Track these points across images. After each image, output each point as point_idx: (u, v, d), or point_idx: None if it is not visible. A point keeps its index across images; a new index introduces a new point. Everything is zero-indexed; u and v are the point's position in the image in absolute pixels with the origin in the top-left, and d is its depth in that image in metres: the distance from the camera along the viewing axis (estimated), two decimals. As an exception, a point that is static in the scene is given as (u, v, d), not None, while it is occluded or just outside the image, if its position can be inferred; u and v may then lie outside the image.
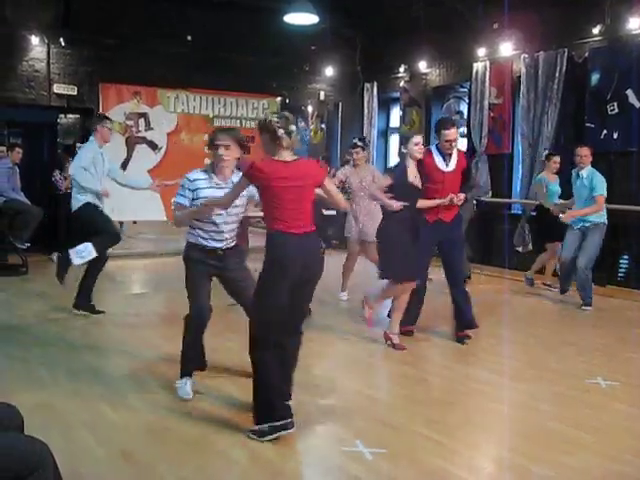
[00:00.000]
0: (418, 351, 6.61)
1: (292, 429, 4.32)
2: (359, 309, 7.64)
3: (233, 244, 5.32)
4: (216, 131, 5.32)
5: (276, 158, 4.44)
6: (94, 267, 7.57)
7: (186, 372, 5.16)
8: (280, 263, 4.37)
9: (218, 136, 5.17)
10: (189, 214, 5.07)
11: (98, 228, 7.47)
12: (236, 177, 5.11)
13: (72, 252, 7.32)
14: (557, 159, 9.14)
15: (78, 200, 7.44)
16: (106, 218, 7.66)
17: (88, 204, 7.42)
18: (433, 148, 6.73)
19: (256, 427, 4.37)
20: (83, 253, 7.32)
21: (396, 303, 6.58)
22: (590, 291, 8.31)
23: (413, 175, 6.34)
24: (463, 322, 6.75)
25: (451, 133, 6.53)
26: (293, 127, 4.49)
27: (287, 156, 4.46)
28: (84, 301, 7.56)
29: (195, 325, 5.14)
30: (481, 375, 5.92)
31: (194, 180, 5.12)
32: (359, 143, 8.52)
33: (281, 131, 4.40)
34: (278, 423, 4.30)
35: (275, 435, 4.28)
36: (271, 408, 4.38)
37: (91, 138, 7.62)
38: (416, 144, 6.30)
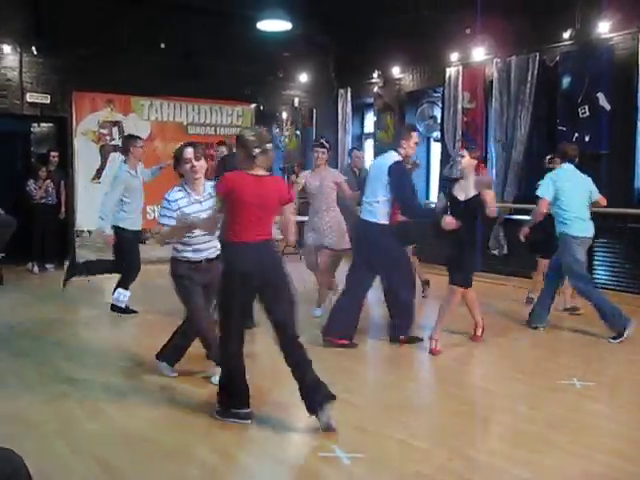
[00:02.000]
0: (393, 356, 6.63)
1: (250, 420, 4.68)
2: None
3: (215, 255, 5.34)
4: (180, 147, 5.38)
5: (250, 173, 4.50)
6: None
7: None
8: (241, 273, 4.47)
9: (185, 150, 5.24)
10: (172, 231, 5.08)
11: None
12: (209, 187, 5.17)
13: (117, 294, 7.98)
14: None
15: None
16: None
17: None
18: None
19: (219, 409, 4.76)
20: (121, 297, 7.94)
21: (447, 309, 6.64)
22: (611, 316, 7.11)
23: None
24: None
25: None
26: (269, 145, 4.55)
27: (260, 171, 4.52)
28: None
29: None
30: (455, 378, 5.95)
31: (175, 200, 5.20)
32: (325, 144, 8.17)
33: (256, 150, 4.47)
34: (242, 411, 4.69)
35: (236, 421, 4.64)
36: (238, 398, 4.73)
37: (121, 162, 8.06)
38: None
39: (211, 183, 5.37)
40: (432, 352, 6.48)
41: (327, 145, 8.21)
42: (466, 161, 6.47)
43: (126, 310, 8.02)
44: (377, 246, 6.71)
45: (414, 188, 6.82)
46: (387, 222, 6.68)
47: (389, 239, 6.73)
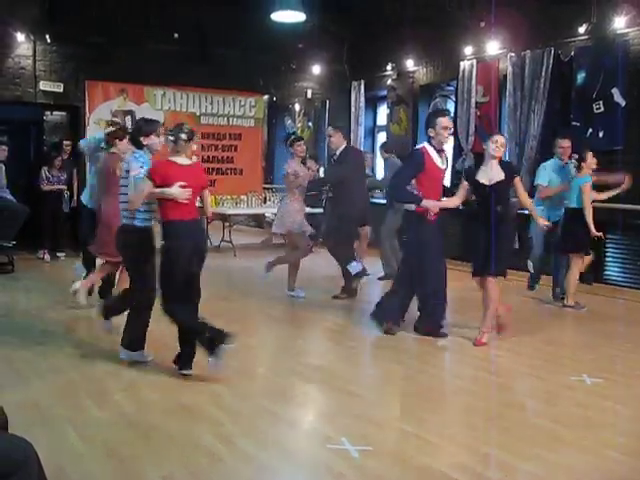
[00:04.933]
0: (404, 348, 6.61)
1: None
2: (341, 305, 7.70)
3: None
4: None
5: (172, 160, 5.30)
6: None
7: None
8: (177, 246, 5.23)
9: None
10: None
11: None
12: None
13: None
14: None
15: None
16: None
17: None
18: (426, 143, 6.71)
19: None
20: None
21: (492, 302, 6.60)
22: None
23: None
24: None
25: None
26: (183, 135, 5.27)
27: (180, 160, 5.30)
28: None
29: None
30: (466, 372, 5.94)
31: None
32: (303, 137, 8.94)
33: (170, 138, 5.31)
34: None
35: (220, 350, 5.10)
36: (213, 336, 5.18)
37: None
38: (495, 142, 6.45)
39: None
40: (475, 343, 6.53)
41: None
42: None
43: None
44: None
45: (408, 175, 6.73)
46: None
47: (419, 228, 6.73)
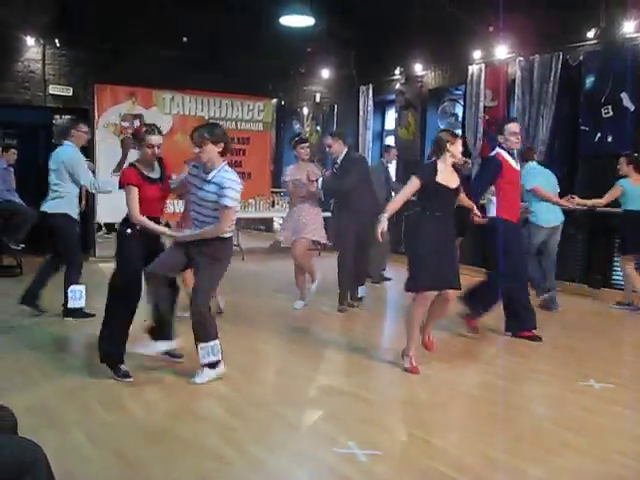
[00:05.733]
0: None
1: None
2: (351, 311, 7.70)
3: None
4: (195, 128, 5.61)
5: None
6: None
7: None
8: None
9: (195, 133, 5.48)
10: None
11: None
12: (215, 175, 5.40)
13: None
14: None
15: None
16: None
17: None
18: (499, 149, 6.91)
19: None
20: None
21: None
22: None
23: (446, 178, 5.99)
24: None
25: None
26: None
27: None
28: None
29: None
30: (474, 377, 5.93)
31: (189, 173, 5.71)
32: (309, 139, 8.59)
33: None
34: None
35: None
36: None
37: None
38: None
39: (231, 173, 5.49)
40: None
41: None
42: None
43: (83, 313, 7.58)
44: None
45: (487, 182, 6.98)
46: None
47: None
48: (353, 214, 8.00)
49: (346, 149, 8.17)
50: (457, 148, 5.82)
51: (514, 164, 6.92)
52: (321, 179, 7.96)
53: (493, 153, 6.98)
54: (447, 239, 5.86)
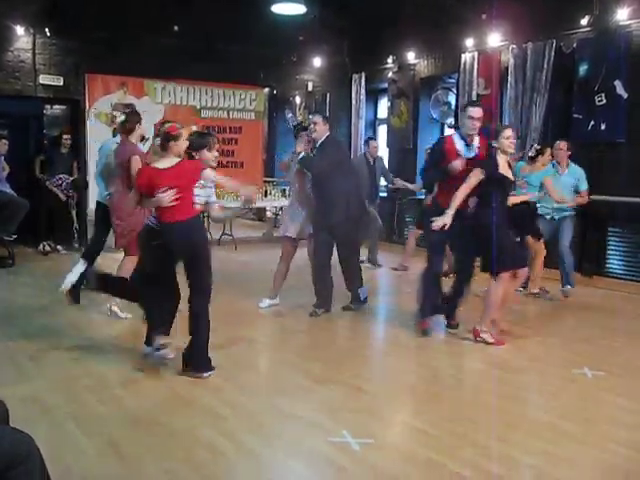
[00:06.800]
0: (405, 344, 6.60)
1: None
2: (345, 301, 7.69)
3: None
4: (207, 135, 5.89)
5: (152, 166, 5.43)
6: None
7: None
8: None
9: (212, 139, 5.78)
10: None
11: None
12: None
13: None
14: None
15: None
16: None
17: None
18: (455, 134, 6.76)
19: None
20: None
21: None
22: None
23: (505, 169, 6.32)
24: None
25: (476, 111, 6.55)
26: (157, 139, 5.50)
27: (161, 164, 5.31)
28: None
29: None
30: (467, 366, 5.94)
31: None
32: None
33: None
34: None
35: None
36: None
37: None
38: (507, 137, 6.35)
39: (213, 173, 5.55)
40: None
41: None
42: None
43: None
44: None
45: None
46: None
47: None
48: (326, 204, 7.35)
49: (327, 133, 7.52)
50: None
51: (463, 150, 6.54)
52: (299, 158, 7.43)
53: (443, 136, 6.86)
54: (508, 224, 6.32)
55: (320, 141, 7.44)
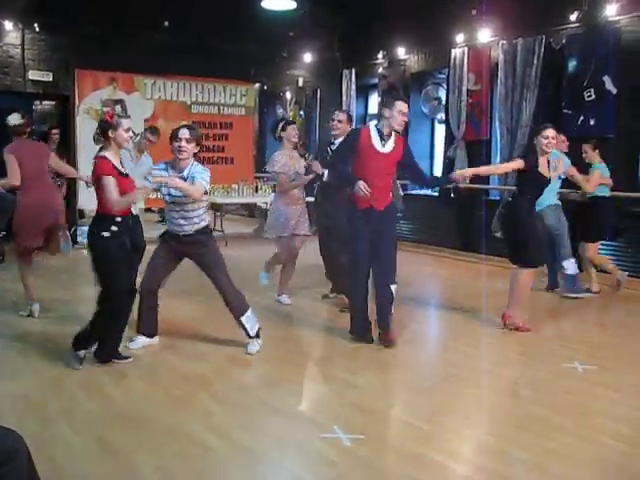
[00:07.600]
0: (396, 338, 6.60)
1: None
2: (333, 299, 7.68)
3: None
4: (179, 126, 5.70)
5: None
6: None
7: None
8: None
9: (181, 130, 5.56)
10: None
11: None
12: (194, 170, 5.54)
13: None
14: None
15: None
16: None
17: None
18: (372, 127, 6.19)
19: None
20: None
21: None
22: None
23: (544, 168, 6.58)
24: (381, 323, 6.30)
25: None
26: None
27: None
28: None
29: None
30: (459, 360, 5.94)
31: (153, 170, 5.69)
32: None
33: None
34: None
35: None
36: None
37: None
38: (546, 137, 6.48)
39: (200, 167, 5.61)
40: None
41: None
42: None
43: None
44: None
45: (342, 156, 6.34)
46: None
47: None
48: (333, 203, 7.15)
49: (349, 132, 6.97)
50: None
51: (379, 146, 6.08)
52: (326, 171, 7.09)
53: (362, 126, 6.57)
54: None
55: (340, 139, 6.98)
